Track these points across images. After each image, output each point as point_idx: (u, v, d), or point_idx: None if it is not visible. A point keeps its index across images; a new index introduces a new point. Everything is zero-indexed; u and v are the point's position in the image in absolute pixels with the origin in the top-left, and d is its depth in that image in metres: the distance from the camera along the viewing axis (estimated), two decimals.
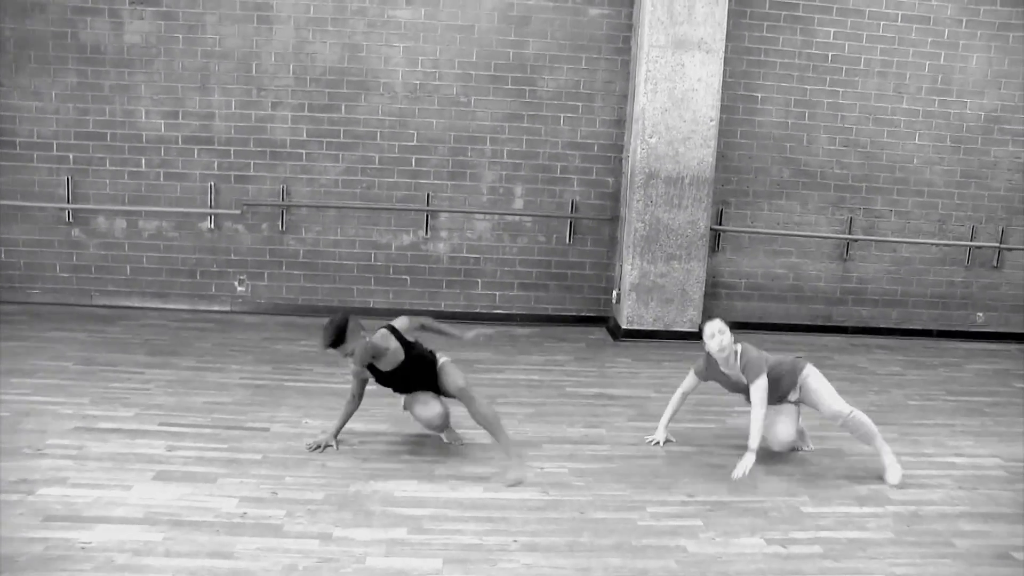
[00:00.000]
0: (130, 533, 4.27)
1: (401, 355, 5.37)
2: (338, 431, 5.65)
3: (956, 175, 9.92)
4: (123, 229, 9.30)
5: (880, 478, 5.44)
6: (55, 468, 5.02)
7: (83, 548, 4.10)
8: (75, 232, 9.27)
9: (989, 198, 10.01)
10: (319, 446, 5.52)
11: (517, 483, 5.14)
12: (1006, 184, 9.99)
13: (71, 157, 9.11)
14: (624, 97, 9.45)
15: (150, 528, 4.34)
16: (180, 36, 8.99)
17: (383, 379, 5.50)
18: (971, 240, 10.03)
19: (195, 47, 9.03)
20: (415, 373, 5.45)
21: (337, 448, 5.55)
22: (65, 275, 9.32)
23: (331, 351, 5.25)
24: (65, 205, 9.13)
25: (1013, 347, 9.93)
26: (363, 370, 5.38)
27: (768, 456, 5.83)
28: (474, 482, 5.12)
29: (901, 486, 5.35)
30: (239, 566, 4.03)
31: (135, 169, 9.18)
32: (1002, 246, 10.08)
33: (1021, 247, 10.12)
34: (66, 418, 5.86)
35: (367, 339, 5.23)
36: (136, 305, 9.37)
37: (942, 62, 9.66)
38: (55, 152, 9.10)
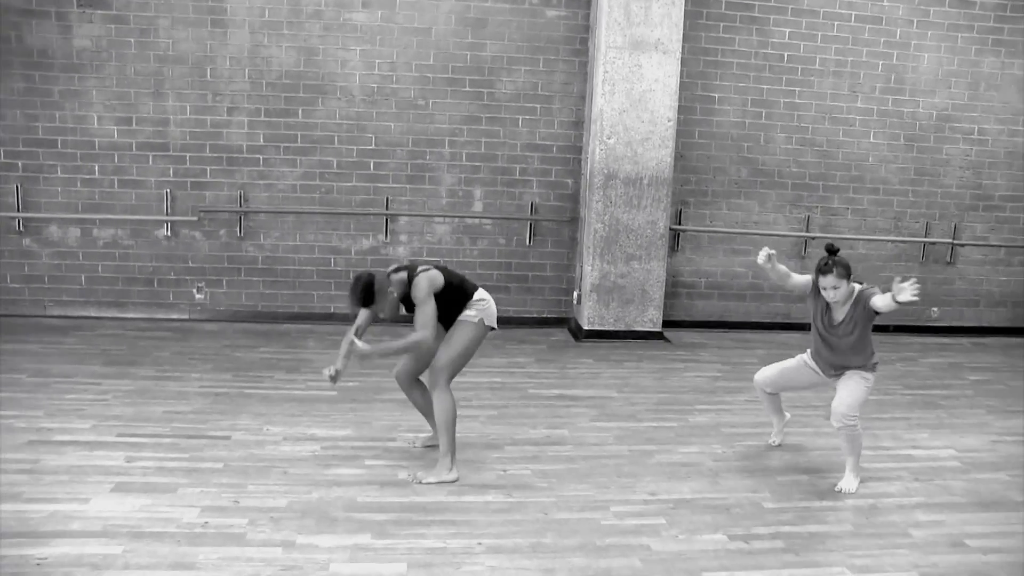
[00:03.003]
0: (88, 547, 4.20)
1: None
2: (381, 349, 5.19)
3: (910, 173, 10.05)
4: (77, 238, 9.18)
5: (838, 477, 5.46)
6: (9, 483, 4.92)
7: (39, 564, 4.01)
8: (26, 241, 9.13)
9: (942, 195, 10.16)
10: (335, 376, 5.25)
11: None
12: (958, 181, 10.14)
13: (20, 164, 8.97)
14: (582, 98, 9.47)
15: (109, 541, 4.26)
16: (132, 40, 8.89)
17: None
18: (925, 236, 10.17)
19: (148, 51, 8.93)
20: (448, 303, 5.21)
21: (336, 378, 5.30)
22: (16, 286, 9.17)
23: (361, 309, 5.17)
24: (15, 214, 8.99)
25: (966, 340, 10.10)
26: (433, 284, 5.10)
27: (730, 455, 5.87)
28: (437, 486, 5.10)
29: (861, 481, 5.38)
30: None
31: (88, 176, 9.06)
32: (955, 242, 10.23)
33: (973, 243, 10.28)
34: (20, 432, 5.74)
35: (428, 269, 5.11)
36: (92, 315, 9.26)
37: (895, 62, 9.79)
38: (2, 159, 8.94)
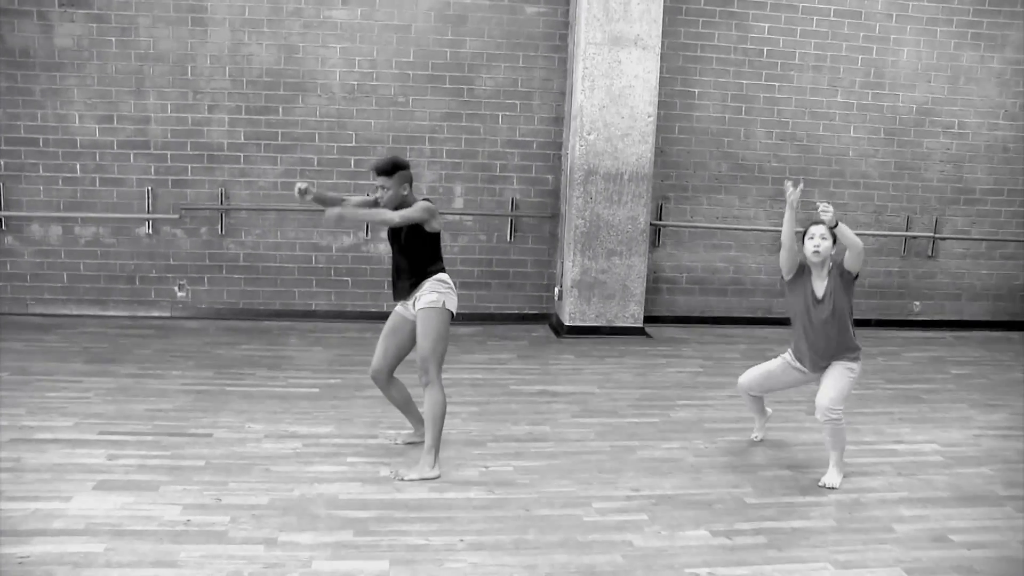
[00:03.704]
0: (70, 545, 4.19)
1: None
2: (329, 200, 5.44)
3: (890, 167, 10.10)
4: (59, 236, 9.15)
5: (820, 472, 5.47)
6: None
7: (20, 563, 4.01)
8: (8, 240, 9.09)
9: (923, 189, 10.21)
10: (305, 190, 5.26)
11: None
12: (938, 175, 10.19)
13: (2, 163, 8.94)
14: (562, 95, 9.48)
15: (91, 539, 4.26)
16: (113, 39, 8.86)
17: (400, 235, 5.33)
18: (906, 230, 10.23)
19: (128, 50, 8.91)
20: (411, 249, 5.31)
21: (306, 195, 5.27)
22: None
23: (379, 179, 5.25)
24: None
25: (948, 334, 10.15)
26: (431, 212, 5.24)
27: (712, 450, 5.90)
28: (419, 482, 5.10)
29: (844, 476, 5.40)
30: (183, 574, 3.97)
31: (70, 175, 9.03)
32: (936, 236, 10.28)
33: (954, 236, 10.34)
34: (1, 430, 5.72)
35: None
36: (73, 313, 9.22)
37: (874, 56, 9.83)
38: None
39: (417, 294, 5.26)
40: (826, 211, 5.06)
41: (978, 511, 5.06)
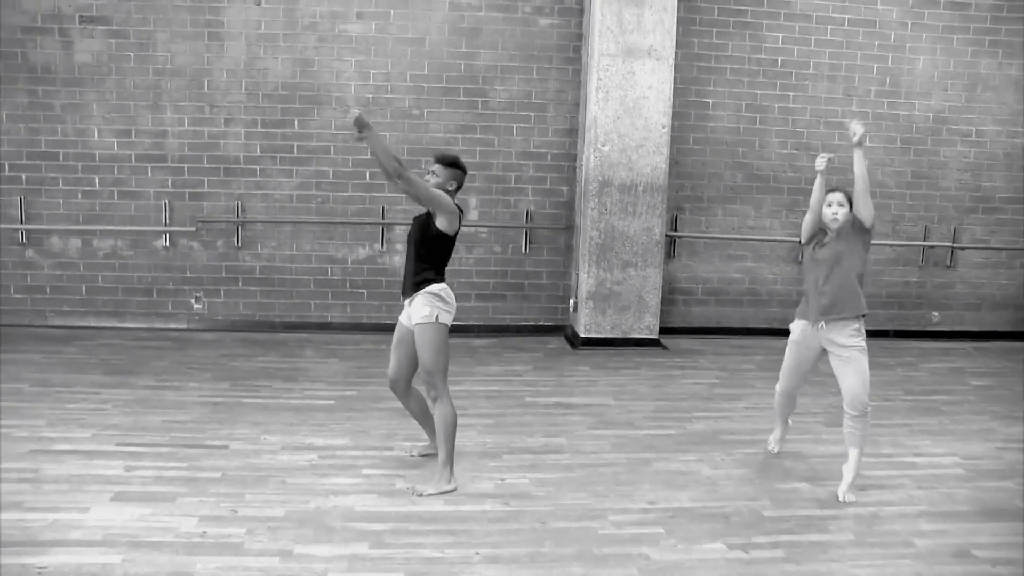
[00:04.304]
0: (88, 556, 4.21)
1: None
2: (374, 135, 5.10)
3: (907, 176, 10.05)
4: (77, 249, 9.21)
5: (838, 485, 5.42)
6: (10, 492, 4.93)
7: (39, 573, 4.03)
8: (29, 253, 9.16)
9: (940, 198, 10.16)
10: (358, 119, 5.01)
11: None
12: (956, 184, 10.14)
13: (23, 177, 9.02)
14: (576, 106, 9.49)
15: (108, 550, 4.27)
16: (131, 54, 8.94)
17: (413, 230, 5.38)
18: (924, 240, 10.17)
19: (146, 65, 8.98)
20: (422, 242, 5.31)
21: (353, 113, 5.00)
22: (19, 296, 9.21)
23: (435, 165, 5.31)
24: (18, 226, 9.04)
25: (967, 345, 10.08)
26: (450, 208, 5.22)
27: (729, 463, 5.87)
28: (435, 495, 5.10)
29: (861, 488, 5.36)
30: None
31: (88, 188, 9.11)
32: (954, 245, 10.22)
33: (973, 246, 10.28)
34: (21, 441, 5.76)
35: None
36: (92, 325, 9.27)
37: (889, 65, 9.80)
38: (7, 173, 9.01)
39: (413, 304, 5.26)
40: (855, 132, 5.39)
41: (1002, 526, 4.99)
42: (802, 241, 5.59)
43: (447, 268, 5.37)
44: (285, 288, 9.46)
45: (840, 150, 9.80)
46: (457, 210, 5.25)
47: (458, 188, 5.38)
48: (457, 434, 5.35)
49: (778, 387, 5.83)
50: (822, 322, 5.34)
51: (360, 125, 4.96)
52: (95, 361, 8.01)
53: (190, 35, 8.97)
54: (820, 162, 5.50)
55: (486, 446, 6.01)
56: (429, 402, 5.32)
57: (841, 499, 5.25)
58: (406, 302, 5.34)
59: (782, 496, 5.31)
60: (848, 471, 5.33)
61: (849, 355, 5.26)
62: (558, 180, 9.62)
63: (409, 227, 5.51)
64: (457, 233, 5.31)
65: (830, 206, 5.36)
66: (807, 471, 5.74)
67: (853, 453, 5.32)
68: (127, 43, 8.93)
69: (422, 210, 5.34)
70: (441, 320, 5.19)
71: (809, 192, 9.86)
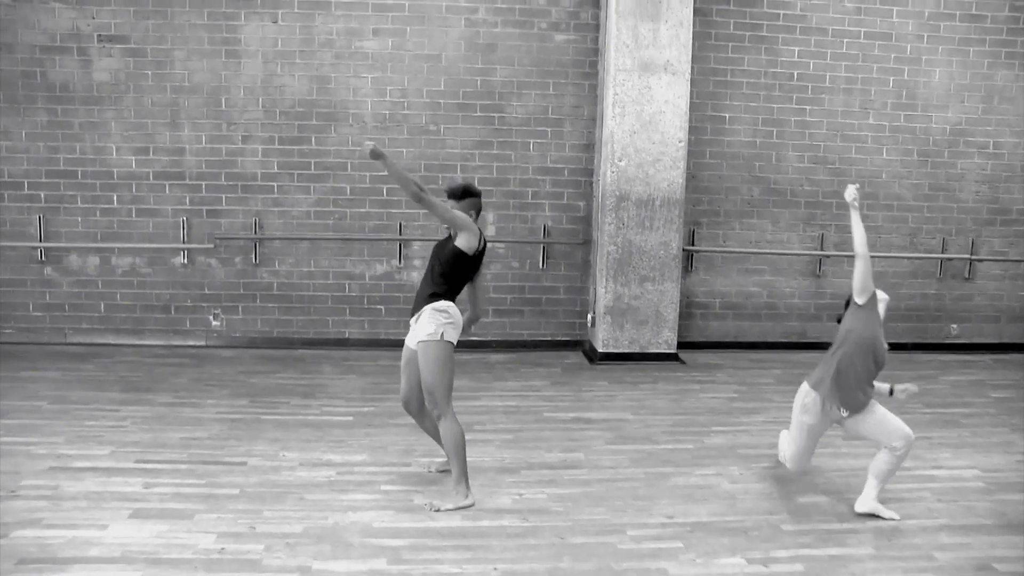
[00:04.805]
0: (106, 573, 4.23)
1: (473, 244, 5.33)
2: (390, 162, 5.14)
3: (924, 188, 10.01)
4: (96, 266, 9.26)
5: (857, 498, 5.36)
6: (29, 509, 4.96)
7: None
8: (48, 270, 9.22)
9: (958, 210, 10.11)
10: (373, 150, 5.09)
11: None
12: (974, 196, 10.09)
13: (42, 195, 9.08)
14: (592, 121, 9.50)
15: (127, 567, 4.29)
16: (149, 72, 9.00)
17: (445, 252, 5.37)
18: (942, 252, 10.12)
19: (164, 83, 9.03)
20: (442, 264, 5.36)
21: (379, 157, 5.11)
22: (38, 314, 9.26)
23: (448, 202, 5.33)
24: (37, 244, 9.09)
25: (987, 357, 10.01)
26: (469, 222, 5.30)
27: (748, 477, 5.85)
28: (452, 511, 5.10)
29: (881, 502, 5.32)
30: None
31: (107, 206, 9.16)
32: (973, 257, 10.17)
33: (991, 258, 10.22)
34: (40, 458, 5.80)
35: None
36: (110, 342, 9.31)
37: (906, 77, 9.78)
38: (26, 191, 9.07)
39: (418, 322, 5.27)
40: (850, 195, 5.12)
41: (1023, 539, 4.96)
42: (860, 301, 5.12)
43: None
44: (303, 304, 9.48)
45: (856, 163, 9.83)
46: (478, 230, 5.27)
47: (478, 212, 5.43)
48: (475, 449, 5.36)
49: (792, 467, 5.57)
50: (846, 413, 5.25)
51: (375, 156, 5.02)
52: (113, 378, 8.04)
53: (207, 53, 9.03)
54: (851, 192, 5.17)
55: (504, 461, 6.00)
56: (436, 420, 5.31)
57: (858, 507, 5.23)
58: (412, 320, 5.34)
59: (801, 510, 5.29)
60: (871, 494, 5.22)
61: (869, 410, 5.21)
62: (575, 195, 9.62)
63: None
64: (477, 256, 5.32)
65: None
66: (826, 485, 5.72)
67: (878, 479, 5.20)
68: (145, 61, 8.99)
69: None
70: (447, 337, 5.20)
71: (825, 206, 9.91)
